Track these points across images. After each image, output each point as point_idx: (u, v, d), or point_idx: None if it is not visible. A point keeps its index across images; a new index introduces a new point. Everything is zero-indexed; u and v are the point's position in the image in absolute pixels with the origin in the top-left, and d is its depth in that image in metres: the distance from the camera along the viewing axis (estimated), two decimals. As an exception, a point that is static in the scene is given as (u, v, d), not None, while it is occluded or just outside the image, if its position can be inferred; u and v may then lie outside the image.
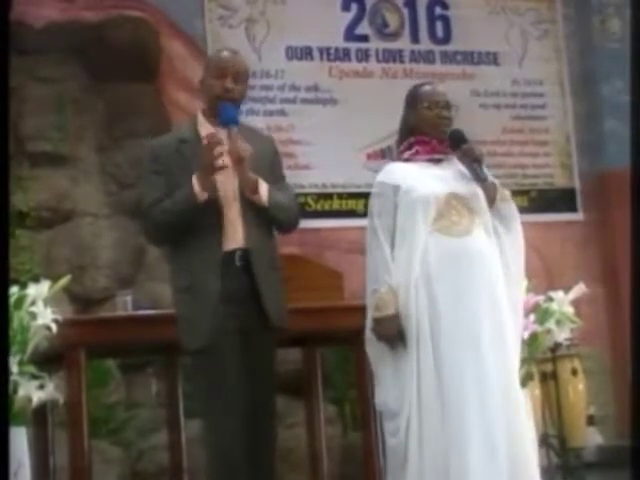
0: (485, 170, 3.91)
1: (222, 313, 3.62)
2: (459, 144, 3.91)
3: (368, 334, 3.86)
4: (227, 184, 3.72)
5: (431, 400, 3.63)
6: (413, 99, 4.00)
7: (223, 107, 3.74)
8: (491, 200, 3.88)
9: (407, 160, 3.94)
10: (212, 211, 3.68)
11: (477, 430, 3.57)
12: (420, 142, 3.95)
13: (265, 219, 3.77)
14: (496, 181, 3.96)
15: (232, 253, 3.68)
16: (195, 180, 3.63)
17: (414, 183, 3.83)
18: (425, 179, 3.85)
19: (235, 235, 3.69)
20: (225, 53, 3.91)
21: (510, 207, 3.95)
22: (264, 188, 3.74)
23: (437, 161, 3.94)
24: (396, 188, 3.84)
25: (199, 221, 3.67)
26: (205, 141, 3.67)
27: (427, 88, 4.04)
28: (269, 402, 3.78)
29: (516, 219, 3.96)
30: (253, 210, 3.73)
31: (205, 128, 3.78)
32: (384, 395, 3.78)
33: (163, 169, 3.71)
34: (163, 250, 3.91)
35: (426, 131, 3.94)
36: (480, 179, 3.86)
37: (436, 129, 3.93)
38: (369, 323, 3.85)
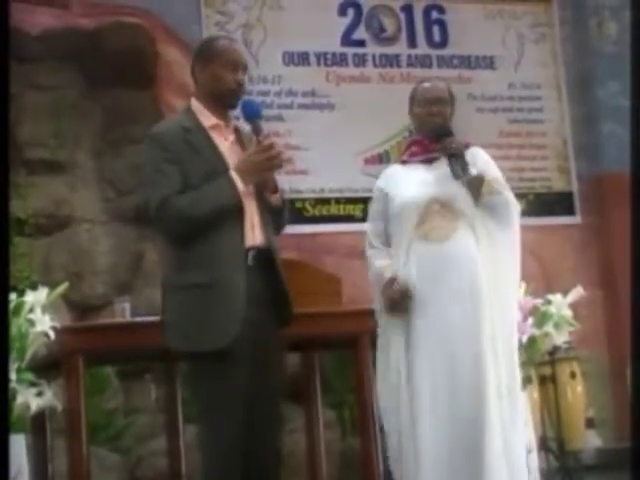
0: (467, 165, 3.76)
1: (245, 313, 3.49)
2: (441, 138, 3.81)
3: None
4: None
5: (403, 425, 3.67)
6: (410, 99, 3.98)
7: (248, 103, 3.69)
8: (476, 195, 3.78)
9: (404, 162, 3.94)
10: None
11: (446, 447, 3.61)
12: (415, 142, 3.94)
13: (272, 218, 3.71)
14: (483, 174, 3.81)
15: (247, 251, 3.56)
16: (237, 176, 3.54)
17: (399, 189, 3.83)
18: (409, 184, 3.83)
19: (252, 233, 3.59)
20: (228, 43, 3.80)
21: (500, 199, 3.83)
22: (280, 188, 3.71)
23: (431, 160, 3.90)
24: (386, 194, 3.87)
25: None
26: (261, 141, 3.60)
27: (421, 86, 4.00)
28: (277, 405, 3.68)
29: (507, 210, 3.84)
30: (267, 209, 3.67)
31: (207, 118, 3.66)
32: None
33: (174, 157, 3.56)
34: (166, 245, 3.73)
35: (420, 129, 3.92)
36: (456, 175, 3.75)
37: (426, 125, 3.88)
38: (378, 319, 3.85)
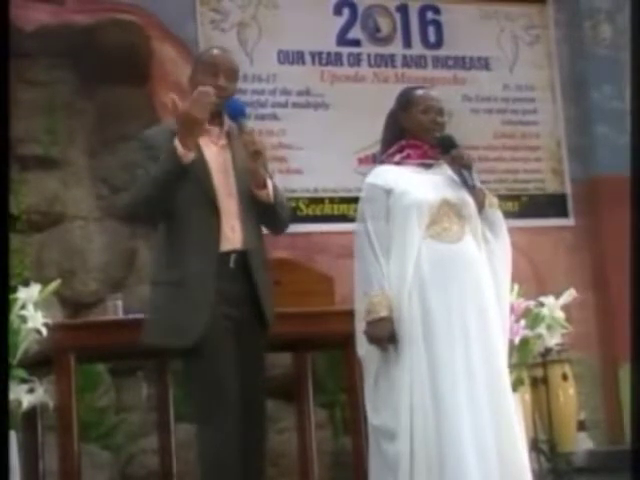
0: (475, 176, 3.91)
1: (217, 313, 3.56)
2: (449, 149, 3.90)
3: (361, 349, 3.85)
4: (222, 179, 3.68)
5: (425, 409, 3.62)
6: (407, 102, 3.98)
7: (231, 102, 3.73)
8: (480, 206, 3.88)
9: (398, 163, 3.92)
10: (208, 205, 3.63)
11: (471, 436, 3.58)
12: (412, 146, 3.93)
13: (263, 217, 3.74)
14: (484, 187, 3.97)
15: (228, 254, 3.63)
16: (177, 141, 3.52)
17: (407, 187, 3.82)
18: (418, 184, 3.84)
19: (233, 235, 3.64)
20: (216, 51, 3.89)
21: (497, 214, 3.96)
22: (270, 184, 3.72)
23: (428, 166, 3.93)
24: (389, 192, 3.82)
25: (194, 213, 3.62)
26: (245, 139, 3.64)
27: (422, 92, 4.03)
28: (261, 405, 3.74)
29: (503, 225, 3.97)
30: (251, 208, 3.69)
31: None
32: (382, 416, 3.74)
33: (157, 156, 3.61)
34: (151, 240, 3.79)
35: (419, 135, 3.92)
36: (468, 186, 3.87)
37: (429, 134, 3.92)
38: (359, 329, 3.84)
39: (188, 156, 3.53)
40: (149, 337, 3.69)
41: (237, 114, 3.73)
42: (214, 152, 3.72)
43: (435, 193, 3.82)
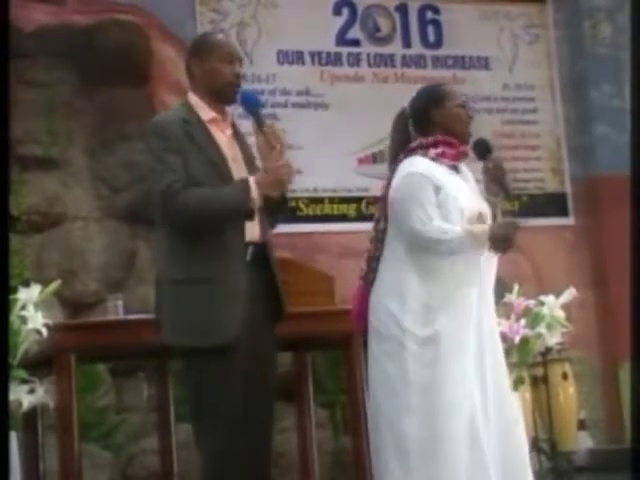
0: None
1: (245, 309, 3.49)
2: (485, 154, 3.83)
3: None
4: (237, 170, 3.63)
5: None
6: (441, 96, 3.87)
7: (246, 94, 3.70)
8: (494, 217, 3.81)
9: (433, 159, 3.78)
10: None
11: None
12: (447, 143, 3.81)
13: (270, 209, 3.67)
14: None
15: (246, 246, 3.57)
16: (254, 185, 3.51)
17: (453, 190, 3.73)
18: (460, 189, 3.76)
19: (251, 228, 3.58)
20: (222, 36, 3.87)
21: None
22: None
23: (456, 168, 3.85)
24: (438, 188, 3.70)
25: None
26: (266, 131, 3.60)
27: (453, 88, 4.00)
28: (271, 403, 3.71)
29: None
30: (265, 202, 3.62)
31: (205, 112, 3.66)
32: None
33: (175, 147, 3.55)
34: (164, 238, 3.63)
35: (456, 129, 3.82)
36: (509, 195, 3.81)
37: (466, 128, 3.84)
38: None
39: (258, 202, 3.52)
40: (175, 337, 3.56)
41: (254, 105, 3.67)
42: (225, 142, 3.67)
43: (473, 201, 3.76)
